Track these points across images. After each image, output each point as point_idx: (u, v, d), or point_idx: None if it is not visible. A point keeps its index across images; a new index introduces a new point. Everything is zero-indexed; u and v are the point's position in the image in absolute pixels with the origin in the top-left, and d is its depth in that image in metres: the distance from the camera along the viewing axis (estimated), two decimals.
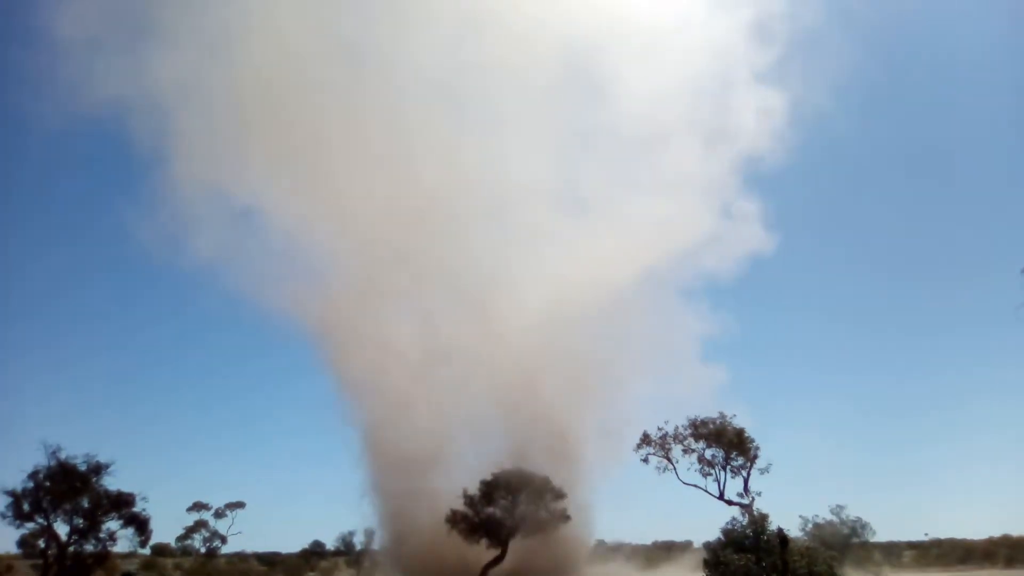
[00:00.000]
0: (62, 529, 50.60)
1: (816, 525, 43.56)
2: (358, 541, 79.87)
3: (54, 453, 50.41)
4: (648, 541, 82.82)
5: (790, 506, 62.49)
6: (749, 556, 22.85)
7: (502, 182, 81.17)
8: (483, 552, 51.97)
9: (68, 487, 50.18)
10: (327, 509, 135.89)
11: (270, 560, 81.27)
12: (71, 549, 50.53)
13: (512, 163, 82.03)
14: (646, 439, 37.94)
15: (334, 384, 75.83)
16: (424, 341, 72.40)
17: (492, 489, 51.21)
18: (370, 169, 79.64)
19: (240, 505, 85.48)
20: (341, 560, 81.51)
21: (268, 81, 79.88)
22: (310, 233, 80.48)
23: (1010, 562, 65.34)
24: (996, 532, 78.66)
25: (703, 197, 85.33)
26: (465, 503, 51.36)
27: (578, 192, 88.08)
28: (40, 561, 52.16)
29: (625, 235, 79.81)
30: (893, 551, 73.27)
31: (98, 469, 51.47)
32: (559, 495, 51.92)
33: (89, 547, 51.10)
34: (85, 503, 50.93)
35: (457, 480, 53.70)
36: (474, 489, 51.67)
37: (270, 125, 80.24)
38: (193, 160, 79.00)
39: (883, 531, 51.76)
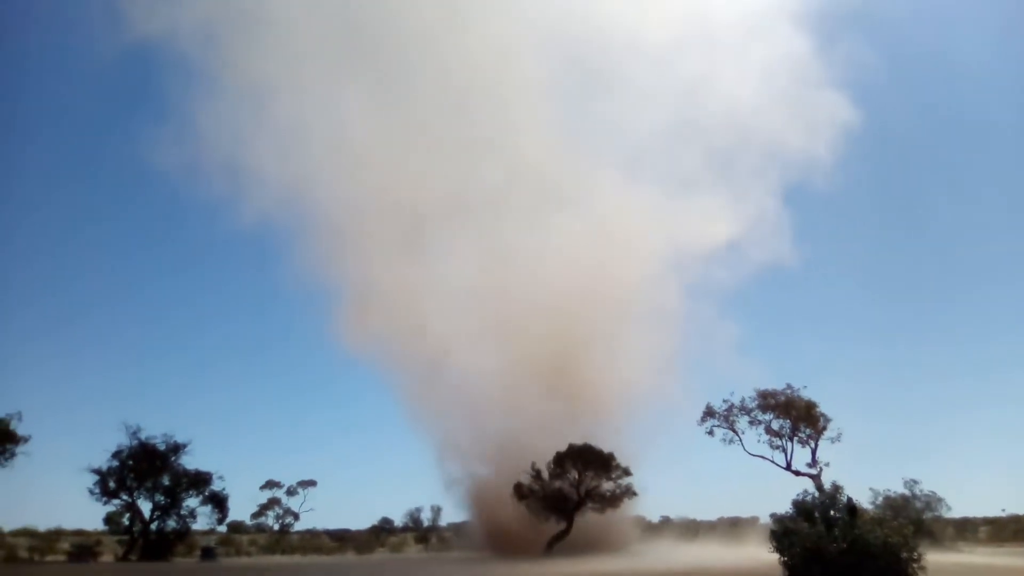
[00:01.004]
0: (145, 507, 52.96)
1: (887, 498, 42.96)
2: (426, 517, 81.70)
3: (135, 433, 52.77)
4: (714, 517, 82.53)
5: (861, 479, 61.27)
6: (820, 527, 22.62)
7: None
8: (551, 527, 52.66)
9: (149, 466, 52.41)
10: (396, 487, 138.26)
11: (340, 536, 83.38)
12: (154, 526, 52.70)
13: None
14: (710, 411, 37.69)
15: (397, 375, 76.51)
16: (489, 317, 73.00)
17: (560, 463, 51.78)
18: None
19: (312, 483, 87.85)
20: (409, 536, 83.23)
21: None
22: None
23: None
24: None
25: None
26: (533, 477, 52.06)
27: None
28: (126, 537, 54.42)
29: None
30: (968, 527, 71.64)
31: (176, 449, 53.69)
32: (625, 472, 52.26)
33: (171, 523, 53.27)
34: (166, 481, 53.08)
35: (526, 455, 54.19)
36: (542, 464, 52.35)
37: None
38: None
39: (958, 507, 50.68)
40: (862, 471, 78.78)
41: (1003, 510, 79.02)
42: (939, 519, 48.20)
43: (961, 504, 65.18)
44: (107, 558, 51.96)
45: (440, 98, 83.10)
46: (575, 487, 52.06)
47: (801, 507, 24.08)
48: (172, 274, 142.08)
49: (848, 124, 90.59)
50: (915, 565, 21.52)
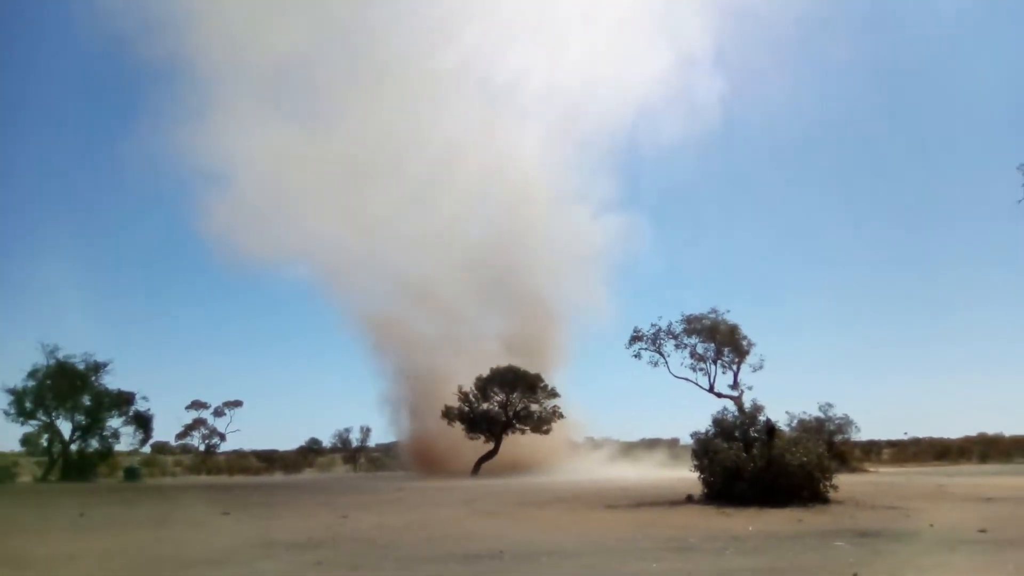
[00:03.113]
0: (65, 427, 51.74)
1: (802, 421, 44.93)
2: (354, 438, 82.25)
3: (52, 352, 51.09)
4: (636, 438, 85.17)
5: (781, 403, 64.07)
6: (739, 445, 23.48)
7: None
8: (480, 448, 53.64)
9: (69, 385, 50.99)
10: (324, 408, 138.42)
11: (268, 457, 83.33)
12: (74, 446, 51.65)
13: None
14: (638, 335, 38.40)
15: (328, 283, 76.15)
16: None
17: (487, 385, 52.43)
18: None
19: (238, 404, 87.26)
20: (338, 456, 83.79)
21: None
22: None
23: (983, 458, 67.90)
24: (972, 431, 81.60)
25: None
26: (460, 399, 52.64)
27: None
28: (45, 459, 53.24)
29: None
30: (873, 448, 75.65)
31: (97, 368, 52.31)
32: (552, 393, 53.25)
33: (93, 444, 52.29)
34: (87, 401, 51.83)
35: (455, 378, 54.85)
36: (469, 386, 52.96)
37: None
38: None
39: (865, 429, 53.27)
40: (781, 395, 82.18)
41: (905, 433, 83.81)
42: (848, 441, 50.62)
43: (868, 427, 68.58)
44: (25, 479, 50.82)
45: None
46: (503, 408, 52.95)
47: (721, 425, 24.95)
48: (87, 186, 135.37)
49: None
50: (826, 483, 22.64)
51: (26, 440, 56.76)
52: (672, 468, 52.16)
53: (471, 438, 53.27)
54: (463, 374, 54.73)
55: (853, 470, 45.69)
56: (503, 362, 53.72)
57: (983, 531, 15.35)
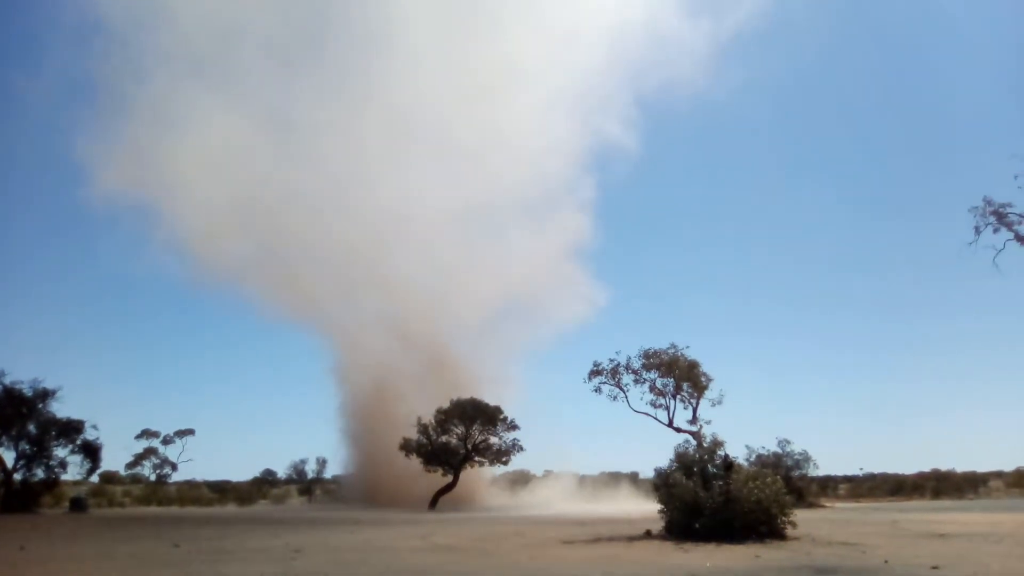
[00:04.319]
0: (8, 456, 49.96)
1: (760, 456, 45.17)
2: (310, 469, 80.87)
3: None
4: (596, 472, 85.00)
5: (740, 437, 64.53)
6: (698, 480, 23.49)
7: None
8: (437, 480, 53.01)
9: (14, 412, 49.37)
10: (279, 438, 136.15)
11: (221, 488, 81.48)
12: (18, 475, 49.94)
13: None
14: (597, 370, 38.29)
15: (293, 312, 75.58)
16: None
17: (447, 417, 51.96)
18: None
19: (190, 432, 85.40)
20: (293, 488, 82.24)
21: None
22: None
23: (937, 493, 69.04)
24: (926, 467, 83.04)
25: None
26: (419, 431, 52.05)
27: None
28: None
29: None
30: (829, 484, 76.45)
31: (45, 395, 50.64)
32: (512, 426, 52.95)
33: (39, 473, 50.60)
34: (32, 429, 50.21)
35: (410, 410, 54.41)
36: (429, 418, 52.44)
37: None
38: None
39: (822, 465, 53.73)
40: (741, 430, 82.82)
41: (861, 469, 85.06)
42: (805, 476, 50.98)
43: (825, 463, 69.50)
44: None
45: None
46: (463, 441, 52.46)
47: (682, 460, 24.95)
48: (36, 211, 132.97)
49: None
50: (784, 519, 22.71)
51: None
52: (633, 502, 52.11)
53: (429, 471, 52.59)
54: (421, 406, 54.43)
55: (810, 505, 46.01)
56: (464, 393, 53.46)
57: (936, 567, 15.46)
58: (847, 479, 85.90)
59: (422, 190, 78.48)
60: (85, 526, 32.93)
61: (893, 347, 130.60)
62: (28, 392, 49.89)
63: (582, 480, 77.29)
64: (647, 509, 27.09)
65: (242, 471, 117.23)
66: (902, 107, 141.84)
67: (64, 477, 53.27)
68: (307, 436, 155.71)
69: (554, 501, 61.02)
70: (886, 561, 16.76)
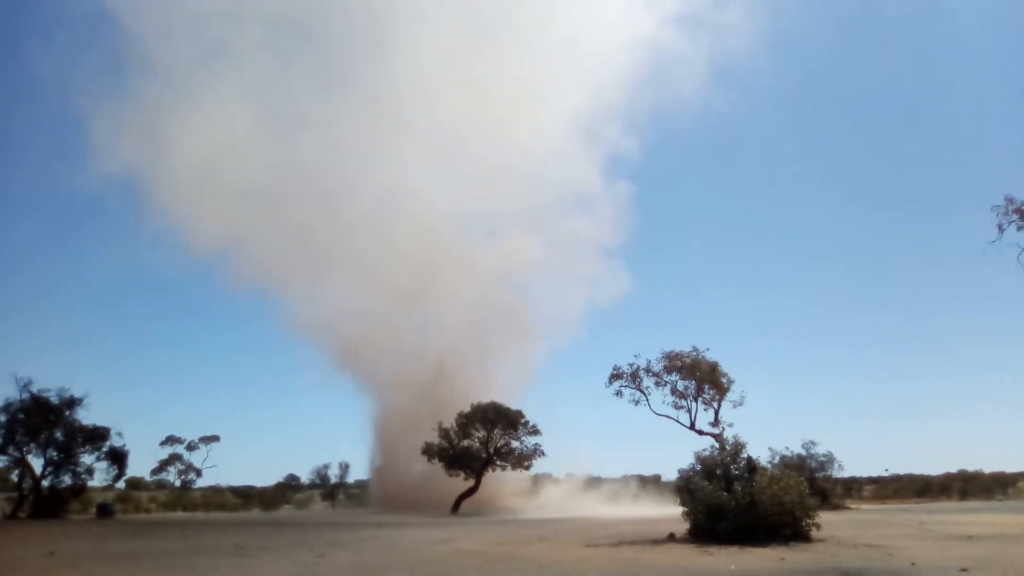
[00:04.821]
0: (36, 463, 50.60)
1: (784, 458, 44.76)
2: (333, 474, 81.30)
3: (26, 386, 50.16)
4: (617, 475, 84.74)
5: (763, 440, 64.11)
6: (721, 482, 23.37)
7: None
8: (460, 485, 53.11)
9: (42, 420, 50.01)
10: (302, 444, 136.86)
11: (245, 493, 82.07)
12: (46, 482, 50.56)
13: None
14: (618, 373, 38.18)
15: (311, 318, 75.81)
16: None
17: (469, 422, 52.02)
18: None
19: (215, 439, 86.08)
20: (316, 493, 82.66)
21: None
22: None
23: (964, 495, 68.14)
24: (953, 468, 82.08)
25: None
26: (440, 436, 52.14)
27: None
28: (15, 495, 52.07)
29: None
30: (854, 485, 75.71)
31: (71, 403, 51.23)
32: (533, 430, 52.93)
33: (66, 480, 51.20)
34: (60, 436, 50.83)
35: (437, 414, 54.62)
36: (450, 422, 52.54)
37: None
38: None
39: (846, 466, 53.14)
40: (764, 432, 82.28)
41: (886, 470, 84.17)
42: (829, 478, 50.51)
43: (850, 464, 68.75)
44: None
45: None
46: (484, 445, 52.51)
47: (704, 463, 24.84)
48: (61, 221, 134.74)
49: None
50: (808, 521, 22.54)
51: None
52: (655, 505, 51.91)
53: (451, 475, 52.69)
54: (442, 411, 54.53)
55: (834, 507, 45.55)
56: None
57: (965, 570, 15.30)
58: (872, 480, 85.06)
59: (455, 200, 78.41)
60: (112, 531, 33.30)
61: (918, 346, 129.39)
62: (55, 400, 50.51)
63: (604, 483, 77.08)
64: (670, 512, 26.98)
65: (266, 476, 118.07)
66: (916, 105, 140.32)
67: (91, 484, 53.87)
68: (330, 441, 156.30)
69: (576, 505, 60.89)
70: (913, 563, 16.61)
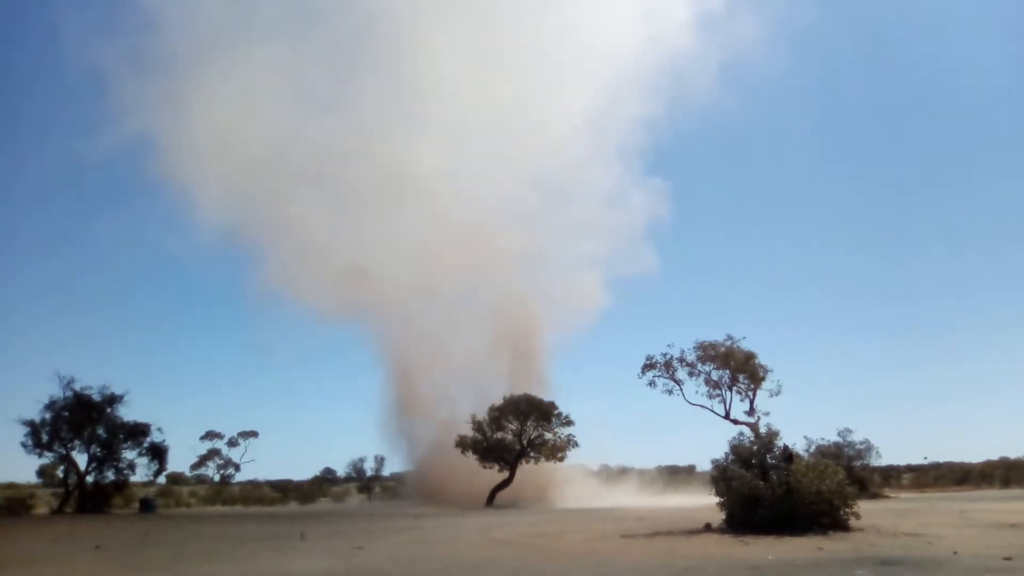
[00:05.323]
0: (80, 459, 51.69)
1: (819, 447, 44.25)
2: (369, 467, 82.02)
3: (69, 384, 51.25)
4: (651, 466, 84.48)
5: (799, 428, 63.39)
6: (756, 471, 23.21)
7: None
8: (494, 477, 53.33)
9: (85, 417, 51.07)
10: (338, 437, 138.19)
11: (283, 487, 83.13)
12: (90, 478, 51.64)
13: None
14: (651, 363, 37.98)
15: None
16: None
17: (501, 414, 52.17)
18: None
19: (253, 434, 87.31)
20: (352, 486, 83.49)
21: None
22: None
23: (1006, 483, 66.87)
24: (994, 455, 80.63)
25: None
26: (474, 428, 52.37)
27: None
28: (60, 490, 53.26)
29: None
30: (892, 474, 74.76)
31: (112, 400, 52.26)
32: (566, 421, 52.93)
33: (109, 476, 52.26)
34: (102, 433, 51.86)
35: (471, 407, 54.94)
36: (483, 415, 52.76)
37: None
38: None
39: (884, 455, 52.52)
40: (799, 421, 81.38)
41: (925, 458, 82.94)
42: (867, 467, 49.92)
43: (887, 452, 67.77)
44: (42, 511, 50.85)
45: None
46: (517, 437, 52.64)
47: (738, 452, 24.65)
48: (105, 223, 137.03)
49: None
50: (847, 510, 22.32)
51: (42, 472, 56.71)
52: (690, 495, 51.70)
53: (485, 467, 52.92)
54: (476, 402, 54.83)
55: (872, 496, 45.05)
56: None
57: (1009, 559, 15.08)
58: (911, 469, 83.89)
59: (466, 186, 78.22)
60: (154, 525, 33.94)
61: (956, 332, 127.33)
62: (97, 397, 51.55)
63: (639, 474, 76.96)
64: (705, 503, 26.86)
65: (303, 471, 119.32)
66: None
67: (133, 479, 54.94)
68: (366, 435, 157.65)
69: (610, 496, 60.85)
70: (955, 552, 16.39)
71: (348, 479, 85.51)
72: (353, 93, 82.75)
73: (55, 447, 51.16)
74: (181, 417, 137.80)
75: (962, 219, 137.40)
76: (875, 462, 51.14)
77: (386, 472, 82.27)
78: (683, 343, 37.28)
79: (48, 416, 50.63)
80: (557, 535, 23.44)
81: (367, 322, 74.42)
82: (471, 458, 52.86)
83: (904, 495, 54.35)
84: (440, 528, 28.27)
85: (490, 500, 51.82)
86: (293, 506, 66.60)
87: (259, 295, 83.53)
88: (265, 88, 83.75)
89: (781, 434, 24.86)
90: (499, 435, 52.52)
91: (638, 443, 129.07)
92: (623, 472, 76.41)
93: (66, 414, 50.49)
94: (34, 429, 50.26)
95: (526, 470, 54.03)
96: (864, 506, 24.04)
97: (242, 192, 78.83)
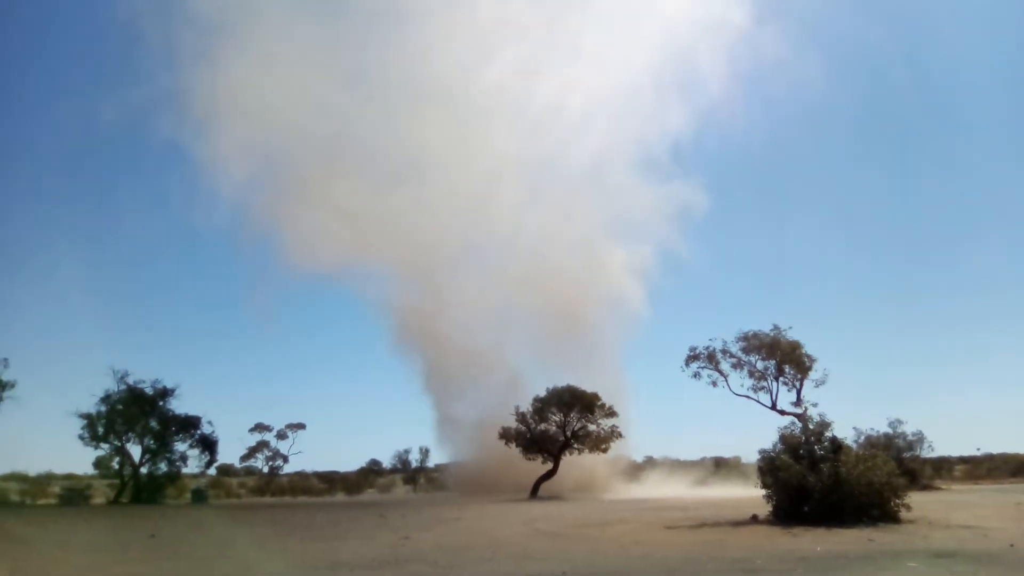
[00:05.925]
0: (134, 451, 53.05)
1: (869, 437, 43.54)
2: (414, 459, 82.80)
3: (123, 378, 52.62)
4: (696, 457, 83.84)
5: (848, 419, 62.35)
6: (805, 462, 22.93)
7: None
8: (538, 468, 53.44)
9: (138, 410, 52.39)
10: (384, 429, 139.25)
11: (329, 478, 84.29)
12: (144, 469, 52.99)
13: None
14: (694, 355, 37.73)
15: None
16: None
17: (545, 406, 52.21)
18: None
19: (301, 426, 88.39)
20: (398, 477, 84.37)
21: None
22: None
23: None
24: None
25: None
26: (518, 420, 52.51)
27: None
28: (116, 480, 54.72)
29: None
30: (944, 465, 73.16)
31: (164, 393, 53.54)
32: (610, 412, 52.77)
33: (162, 467, 53.57)
34: (155, 425, 53.16)
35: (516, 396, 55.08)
36: (526, 406, 52.85)
37: None
38: None
39: (936, 446, 51.26)
40: (847, 412, 79.85)
41: (978, 449, 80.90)
42: (918, 458, 48.95)
43: (939, 443, 66.07)
44: (99, 501, 52.33)
45: None
46: (561, 429, 52.65)
47: (787, 442, 24.36)
48: (157, 218, 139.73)
49: None
50: (897, 502, 21.95)
51: (98, 463, 58.18)
52: (734, 487, 51.26)
53: (528, 459, 53.02)
54: (519, 394, 54.96)
55: (924, 488, 44.12)
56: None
57: None
58: (963, 460, 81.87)
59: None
60: (206, 515, 34.74)
61: (1007, 321, 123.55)
62: (149, 391, 52.85)
63: (684, 465, 76.48)
64: (750, 494, 26.63)
65: (349, 462, 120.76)
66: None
67: (184, 470, 56.21)
68: (411, 426, 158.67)
69: (655, 487, 60.61)
70: (1012, 545, 16.05)
71: (394, 470, 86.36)
72: (379, 68, 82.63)
73: (110, 439, 52.52)
74: (231, 409, 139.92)
75: (1018, 210, 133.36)
76: (926, 453, 50.04)
77: (431, 463, 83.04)
78: (725, 335, 37.05)
79: (103, 409, 52.04)
80: (603, 526, 23.44)
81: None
82: (514, 450, 53.03)
83: (956, 487, 53.21)
84: (484, 518, 28.45)
85: (534, 491, 51.93)
86: (340, 497, 67.54)
87: (302, 280, 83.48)
88: (297, 60, 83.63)
89: (832, 426, 24.45)
90: (543, 427, 52.58)
91: (682, 434, 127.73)
92: (667, 463, 75.97)
93: (120, 407, 51.84)
94: (90, 422, 51.70)
95: (569, 461, 54.00)
96: (915, 498, 23.60)
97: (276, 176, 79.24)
